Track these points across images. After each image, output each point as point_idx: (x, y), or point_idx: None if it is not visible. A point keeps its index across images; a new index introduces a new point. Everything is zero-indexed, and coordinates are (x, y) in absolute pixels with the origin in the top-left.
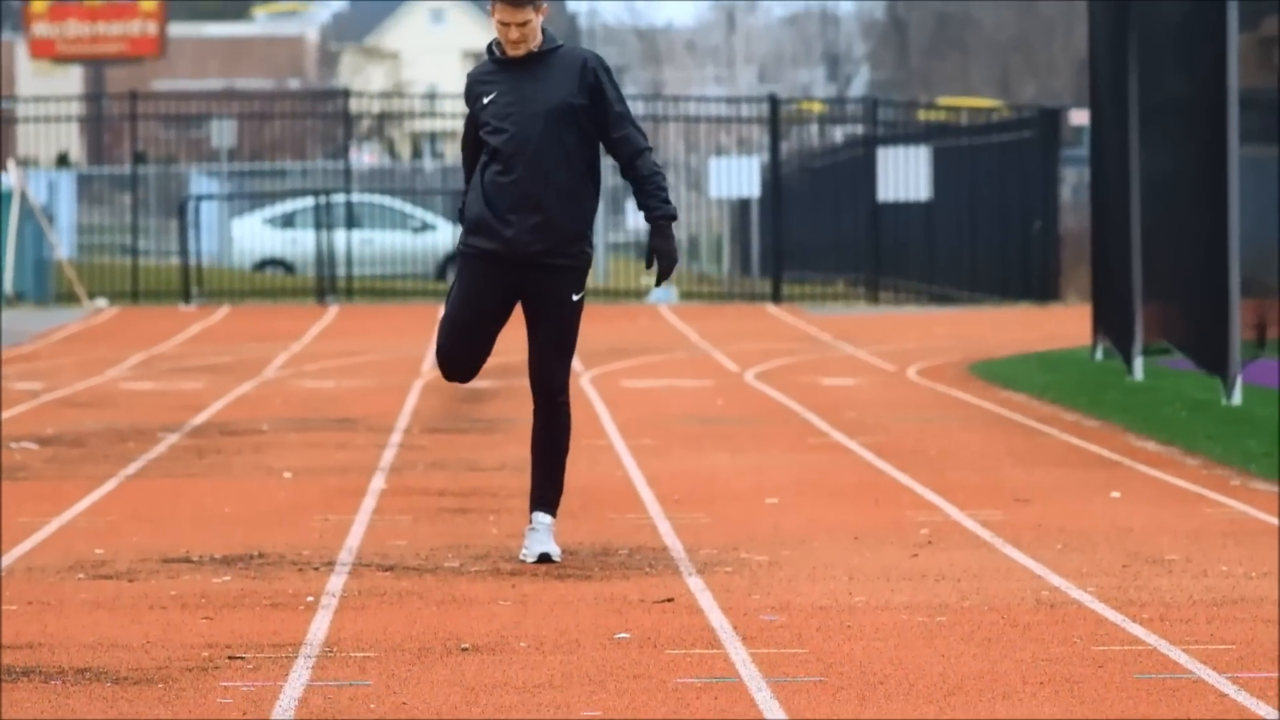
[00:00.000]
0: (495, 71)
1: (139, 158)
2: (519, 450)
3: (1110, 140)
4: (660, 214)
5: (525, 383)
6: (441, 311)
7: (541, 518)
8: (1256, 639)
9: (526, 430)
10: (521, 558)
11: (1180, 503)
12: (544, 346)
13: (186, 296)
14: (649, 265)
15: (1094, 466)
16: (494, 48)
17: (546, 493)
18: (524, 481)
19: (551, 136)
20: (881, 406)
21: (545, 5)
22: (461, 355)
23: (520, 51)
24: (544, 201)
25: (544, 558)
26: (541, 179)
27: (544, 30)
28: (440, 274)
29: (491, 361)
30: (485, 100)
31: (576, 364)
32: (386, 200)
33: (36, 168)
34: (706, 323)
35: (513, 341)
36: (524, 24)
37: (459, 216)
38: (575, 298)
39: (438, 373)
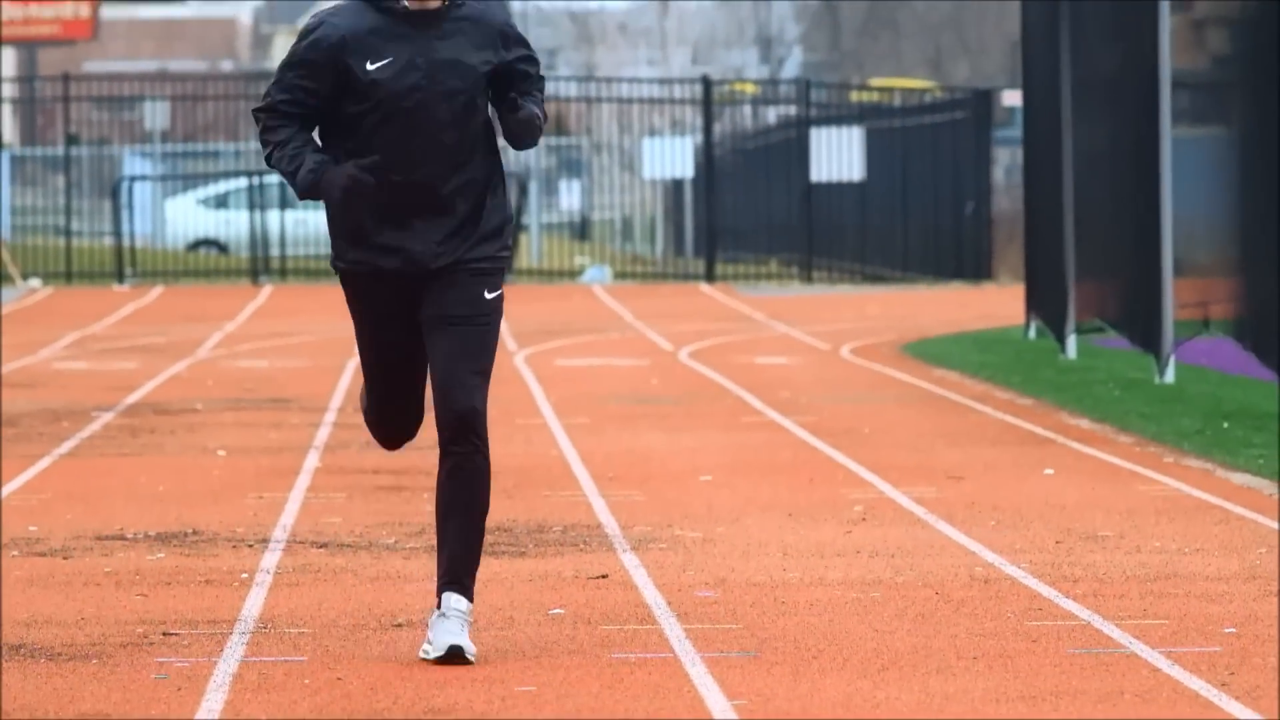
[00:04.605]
0: (385, 23)
1: (72, 139)
2: None
3: (1043, 119)
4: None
5: None
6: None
7: (454, 602)
8: (1189, 614)
9: None
10: (422, 655)
11: (1113, 480)
12: (453, 360)
13: (120, 277)
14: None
15: (1027, 444)
16: None
17: (460, 567)
18: None
19: (467, 118)
20: (815, 385)
21: None
22: (396, 418)
23: None
24: (456, 203)
25: (454, 653)
26: (453, 172)
27: None
28: None
29: None
30: (372, 65)
31: (509, 343)
32: None
33: None
34: (640, 302)
35: None
36: None
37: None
38: (490, 295)
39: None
